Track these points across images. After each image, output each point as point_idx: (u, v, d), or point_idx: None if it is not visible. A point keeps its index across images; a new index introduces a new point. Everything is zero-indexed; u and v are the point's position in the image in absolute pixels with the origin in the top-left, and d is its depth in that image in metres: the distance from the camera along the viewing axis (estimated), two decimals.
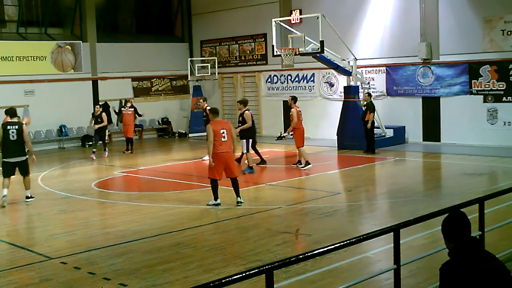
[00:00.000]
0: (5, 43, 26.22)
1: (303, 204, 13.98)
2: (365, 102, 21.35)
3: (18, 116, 15.60)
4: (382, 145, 22.44)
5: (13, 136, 14.58)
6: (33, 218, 13.79)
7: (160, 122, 31.15)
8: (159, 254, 10.15)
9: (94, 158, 22.21)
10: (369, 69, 24.85)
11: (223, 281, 4.60)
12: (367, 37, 25.05)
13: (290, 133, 18.97)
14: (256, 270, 4.98)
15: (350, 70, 22.81)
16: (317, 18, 21.24)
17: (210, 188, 13.73)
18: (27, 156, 14.96)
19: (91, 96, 28.31)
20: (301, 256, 5.54)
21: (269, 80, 29.06)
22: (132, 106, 24.63)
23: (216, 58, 30.79)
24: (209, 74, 30.27)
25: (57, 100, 26.84)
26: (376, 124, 22.08)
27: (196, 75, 30.28)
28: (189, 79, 30.93)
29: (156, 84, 31.18)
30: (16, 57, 26.25)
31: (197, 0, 32.02)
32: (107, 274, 9.13)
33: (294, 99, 19.03)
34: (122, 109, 24.77)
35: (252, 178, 17.45)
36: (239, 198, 13.65)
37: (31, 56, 26.70)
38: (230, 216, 12.79)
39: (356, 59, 23.04)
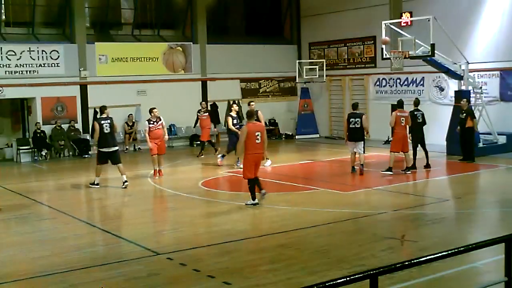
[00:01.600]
0: (120, 45, 27.27)
1: (410, 210, 13.70)
2: (463, 109, 20.62)
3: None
4: (494, 152, 21.65)
5: (107, 129, 16.84)
6: (143, 214, 14.22)
7: (267, 123, 31.32)
8: (263, 254, 10.23)
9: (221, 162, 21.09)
10: (481, 73, 24.02)
11: (327, 284, 4.57)
12: (481, 40, 24.22)
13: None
14: (361, 274, 4.93)
15: (462, 74, 22.16)
16: (428, 20, 20.82)
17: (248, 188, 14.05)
18: (118, 147, 17.41)
19: (200, 96, 28.79)
20: (406, 263, 5.43)
21: (378, 83, 28.68)
22: (207, 111, 24.43)
23: (324, 60, 30.68)
24: (317, 76, 30.20)
25: (167, 100, 27.35)
26: (487, 130, 21.34)
27: (304, 77, 30.27)
28: (297, 81, 30.98)
29: (264, 86, 31.43)
30: (130, 58, 27.24)
31: (306, 2, 32.03)
32: (211, 271, 9.27)
33: (399, 103, 18.96)
34: (198, 114, 24.51)
35: (358, 182, 17.28)
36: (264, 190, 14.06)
37: (144, 57, 27.61)
38: (335, 220, 12.68)
39: (468, 63, 22.34)
